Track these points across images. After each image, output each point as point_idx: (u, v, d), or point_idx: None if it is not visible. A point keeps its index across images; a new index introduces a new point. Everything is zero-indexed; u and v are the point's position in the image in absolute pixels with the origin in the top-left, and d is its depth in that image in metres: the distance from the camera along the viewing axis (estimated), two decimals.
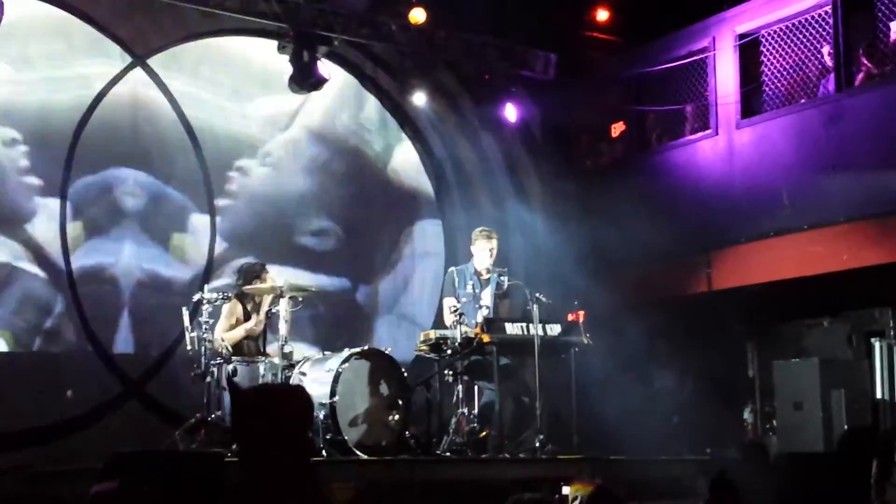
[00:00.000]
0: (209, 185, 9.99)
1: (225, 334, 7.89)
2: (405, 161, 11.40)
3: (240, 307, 8.06)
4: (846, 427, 8.44)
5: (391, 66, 10.84)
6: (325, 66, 9.79)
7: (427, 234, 11.43)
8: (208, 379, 7.53)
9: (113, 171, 9.50)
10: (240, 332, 7.96)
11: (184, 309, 7.91)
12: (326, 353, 7.91)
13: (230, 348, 7.81)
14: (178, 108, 9.86)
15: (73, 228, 9.24)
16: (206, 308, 7.72)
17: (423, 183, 11.50)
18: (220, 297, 7.89)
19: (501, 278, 8.33)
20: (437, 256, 11.34)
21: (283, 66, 9.80)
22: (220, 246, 10.00)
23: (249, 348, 8.03)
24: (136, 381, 9.25)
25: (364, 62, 10.87)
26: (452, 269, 8.63)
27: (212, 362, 7.58)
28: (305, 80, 9.78)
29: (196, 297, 7.89)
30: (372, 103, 11.16)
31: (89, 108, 9.34)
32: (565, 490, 5.74)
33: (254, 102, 10.39)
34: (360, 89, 11.07)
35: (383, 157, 11.28)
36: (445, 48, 10.47)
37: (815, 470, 7.17)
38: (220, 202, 10.08)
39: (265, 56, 10.16)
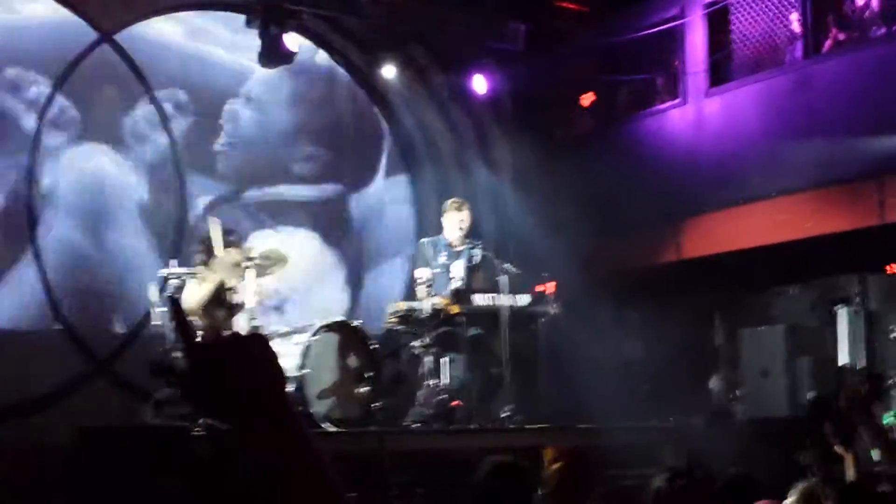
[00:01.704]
0: (176, 159, 9.91)
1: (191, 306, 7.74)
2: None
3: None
4: (814, 393, 8.52)
5: (360, 39, 10.78)
6: (293, 40, 9.74)
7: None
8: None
9: (83, 145, 9.43)
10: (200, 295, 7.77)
11: (150, 284, 7.88)
12: (295, 326, 7.90)
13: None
14: (146, 83, 9.77)
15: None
16: (172, 283, 7.67)
17: None
18: (188, 273, 7.82)
19: (474, 251, 8.35)
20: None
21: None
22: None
23: (217, 319, 7.90)
24: (104, 358, 9.21)
25: (333, 36, 10.79)
26: (425, 240, 8.63)
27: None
28: (274, 54, 9.73)
29: (163, 272, 7.84)
30: None
31: (54, 86, 9.25)
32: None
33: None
34: None
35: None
36: (415, 20, 10.42)
37: (778, 431, 7.26)
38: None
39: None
